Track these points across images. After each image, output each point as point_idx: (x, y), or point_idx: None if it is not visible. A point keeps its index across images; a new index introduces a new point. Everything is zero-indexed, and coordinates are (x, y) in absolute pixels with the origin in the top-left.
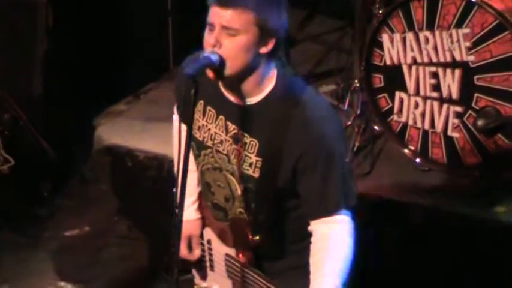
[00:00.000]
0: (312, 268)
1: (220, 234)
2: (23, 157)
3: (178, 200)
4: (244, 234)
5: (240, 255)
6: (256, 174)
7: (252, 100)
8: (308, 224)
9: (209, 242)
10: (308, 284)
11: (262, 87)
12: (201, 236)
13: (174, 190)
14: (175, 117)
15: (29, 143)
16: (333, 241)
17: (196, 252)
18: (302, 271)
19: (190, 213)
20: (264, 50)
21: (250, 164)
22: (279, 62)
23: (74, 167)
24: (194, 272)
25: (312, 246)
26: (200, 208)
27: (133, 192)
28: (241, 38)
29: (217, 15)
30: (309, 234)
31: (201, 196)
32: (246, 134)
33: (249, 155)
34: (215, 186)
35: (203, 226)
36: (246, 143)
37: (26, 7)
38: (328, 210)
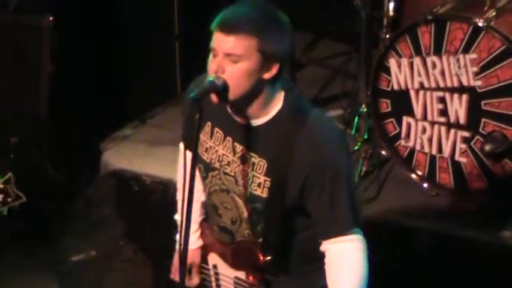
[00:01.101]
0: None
1: (227, 257)
2: (28, 180)
3: (183, 229)
4: (254, 255)
5: (251, 278)
6: (265, 195)
7: (258, 121)
8: (320, 244)
9: (215, 267)
10: None
11: (268, 109)
12: (206, 261)
13: (176, 217)
14: (181, 146)
15: (35, 166)
16: (347, 260)
17: (195, 280)
18: None
19: (192, 241)
20: (267, 75)
21: (259, 184)
22: (286, 84)
23: (79, 190)
24: None
25: (327, 267)
26: (202, 235)
27: (139, 216)
28: (244, 64)
29: (220, 41)
30: (321, 257)
31: (205, 221)
32: (254, 155)
33: (257, 175)
34: (222, 208)
35: (207, 252)
36: (254, 163)
37: (31, 30)
38: (339, 230)
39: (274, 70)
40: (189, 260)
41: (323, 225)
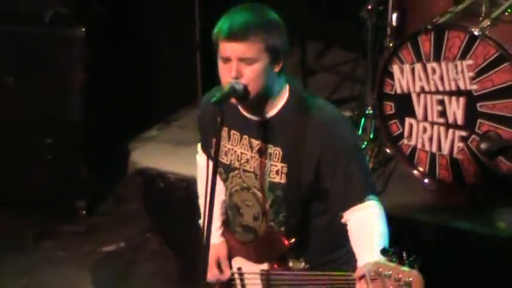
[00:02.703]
0: (355, 249)
1: (250, 255)
2: (63, 180)
3: (205, 233)
4: (279, 241)
5: (276, 265)
6: (283, 180)
7: (270, 114)
8: (341, 218)
9: (239, 269)
10: None
11: (276, 102)
12: (231, 266)
13: (200, 221)
14: (199, 157)
15: (68, 166)
16: (368, 222)
17: (227, 273)
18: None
19: (216, 237)
20: (277, 68)
21: (277, 172)
22: (288, 77)
23: (109, 188)
24: None
25: (350, 232)
26: (225, 236)
27: (164, 211)
28: (258, 64)
29: (232, 49)
30: (338, 246)
31: (226, 229)
32: (269, 145)
33: (274, 163)
34: (244, 206)
35: (232, 257)
36: (270, 154)
37: (64, 41)
38: (356, 199)
39: (281, 63)
40: (215, 255)
41: (342, 199)
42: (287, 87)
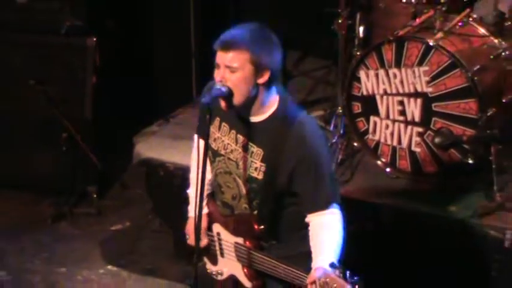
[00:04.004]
0: (312, 249)
1: (228, 226)
2: (76, 168)
3: (197, 203)
4: (250, 225)
5: (247, 243)
6: (260, 177)
7: (258, 118)
8: (305, 217)
9: (218, 234)
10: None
11: (265, 109)
12: (211, 229)
13: (188, 191)
14: (195, 136)
15: (81, 157)
16: (327, 228)
17: (204, 241)
18: (296, 260)
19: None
20: (261, 80)
21: (256, 168)
22: (281, 91)
23: (116, 175)
24: (205, 259)
25: (311, 233)
26: (209, 207)
27: (164, 195)
28: (240, 73)
29: (221, 57)
30: (304, 227)
31: (211, 198)
32: (252, 145)
33: (255, 161)
34: (225, 187)
35: (212, 222)
36: (252, 152)
37: (78, 50)
38: (321, 206)
39: (266, 76)
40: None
41: (309, 203)
42: (277, 98)
